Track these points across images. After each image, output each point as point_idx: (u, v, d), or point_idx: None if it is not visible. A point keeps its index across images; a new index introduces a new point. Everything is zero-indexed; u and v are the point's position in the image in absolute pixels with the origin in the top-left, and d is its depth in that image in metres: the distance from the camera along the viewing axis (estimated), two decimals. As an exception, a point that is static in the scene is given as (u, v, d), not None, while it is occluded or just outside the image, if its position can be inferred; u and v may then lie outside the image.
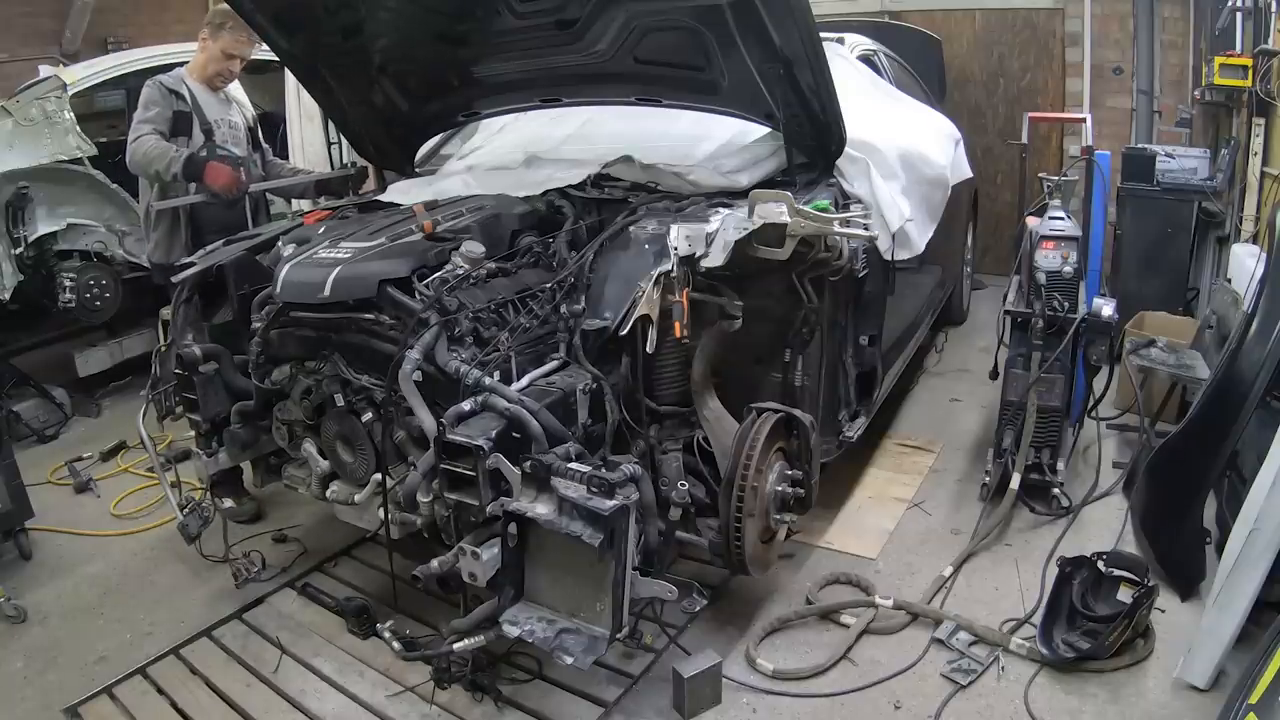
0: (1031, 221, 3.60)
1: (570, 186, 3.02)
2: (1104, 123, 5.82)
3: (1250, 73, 4.39)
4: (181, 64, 3.90)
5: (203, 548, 3.02)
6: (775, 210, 2.44)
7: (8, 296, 4.38)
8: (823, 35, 2.71)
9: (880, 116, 3.52)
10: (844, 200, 3.01)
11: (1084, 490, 3.52)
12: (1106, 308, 3.31)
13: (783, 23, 2.55)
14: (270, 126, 4.75)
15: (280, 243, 2.92)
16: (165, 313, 3.73)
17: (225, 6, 3.23)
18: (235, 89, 4.04)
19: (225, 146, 3.74)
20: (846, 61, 3.99)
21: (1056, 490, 3.39)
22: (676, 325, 2.41)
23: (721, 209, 2.62)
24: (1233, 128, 4.92)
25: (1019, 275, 3.56)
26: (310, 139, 5.11)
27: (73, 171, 4.48)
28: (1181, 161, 4.97)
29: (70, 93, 4.45)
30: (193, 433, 2.97)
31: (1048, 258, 3.35)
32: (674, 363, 2.66)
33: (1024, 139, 5.51)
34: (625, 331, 2.39)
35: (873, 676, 2.58)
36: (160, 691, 2.62)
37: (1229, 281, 4.06)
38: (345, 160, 4.76)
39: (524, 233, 2.83)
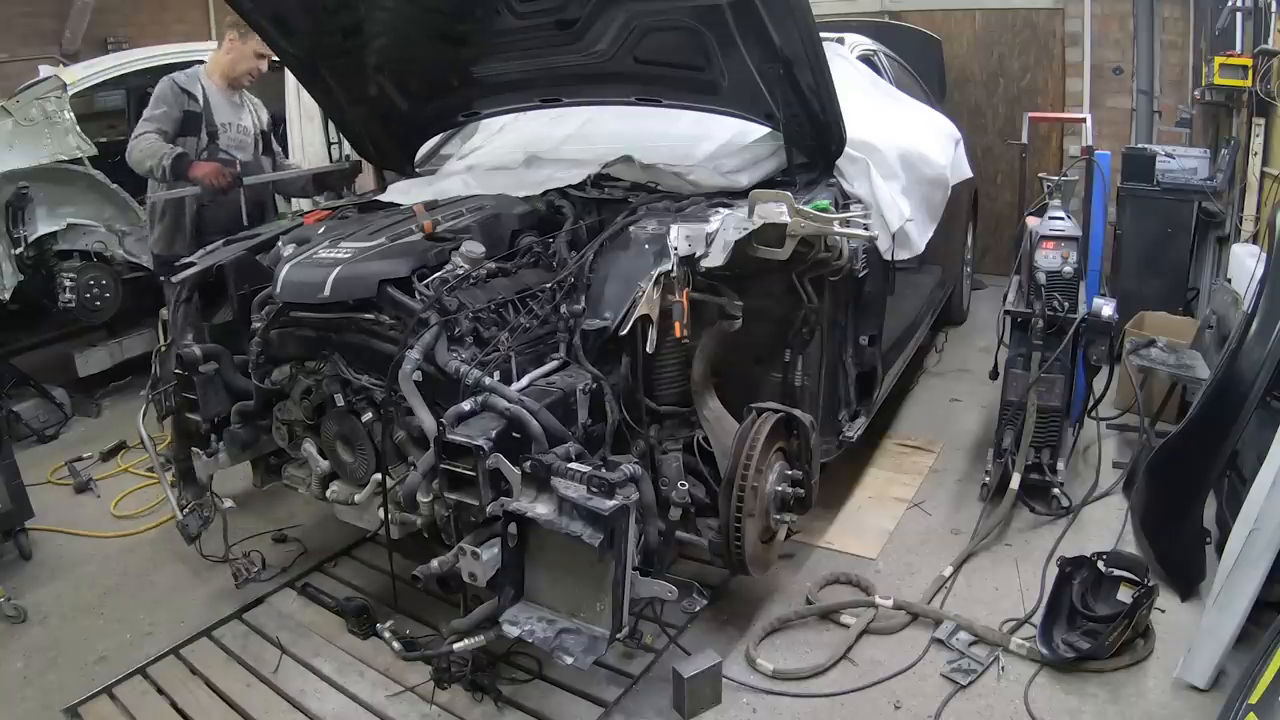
0: (1031, 221, 3.60)
1: (570, 186, 3.02)
2: (1104, 123, 5.82)
3: (1250, 73, 4.39)
4: (182, 64, 3.89)
5: (203, 548, 3.02)
6: (775, 210, 2.44)
7: (8, 296, 4.37)
8: (823, 35, 2.71)
9: (880, 116, 3.52)
10: (844, 200, 3.01)
11: (1084, 490, 3.52)
12: (1106, 308, 3.31)
13: (783, 23, 2.55)
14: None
15: (280, 243, 2.92)
16: (165, 313, 3.73)
17: None
18: (247, 93, 4.04)
19: (228, 151, 3.75)
20: (846, 61, 3.99)
21: (1056, 490, 3.39)
22: (676, 325, 2.41)
23: (721, 209, 2.62)
24: (1233, 128, 4.92)
25: (1019, 275, 3.56)
26: (310, 139, 5.10)
27: (73, 171, 4.48)
28: (1181, 161, 4.97)
29: (70, 93, 4.45)
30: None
31: (1048, 258, 3.35)
32: (674, 363, 2.66)
33: (1024, 139, 5.51)
34: (625, 331, 2.39)
35: (873, 676, 2.58)
36: (160, 691, 2.62)
37: (1229, 281, 4.06)
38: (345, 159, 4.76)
39: (524, 233, 2.83)
